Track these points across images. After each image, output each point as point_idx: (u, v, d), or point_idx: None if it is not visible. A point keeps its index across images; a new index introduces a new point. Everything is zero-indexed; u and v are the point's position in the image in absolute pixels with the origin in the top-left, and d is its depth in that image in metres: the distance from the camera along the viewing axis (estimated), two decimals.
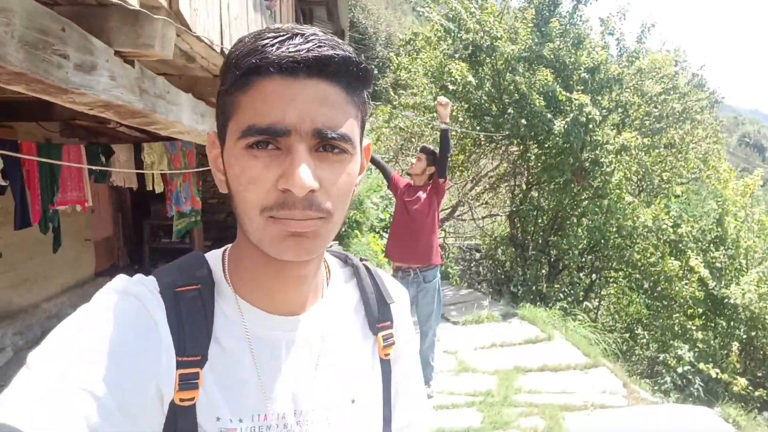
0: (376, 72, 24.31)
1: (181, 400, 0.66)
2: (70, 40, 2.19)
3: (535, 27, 8.88)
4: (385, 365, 0.84)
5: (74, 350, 0.61)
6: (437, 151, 4.34)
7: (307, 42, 0.63)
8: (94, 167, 5.43)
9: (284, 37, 0.63)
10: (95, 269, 7.74)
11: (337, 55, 0.63)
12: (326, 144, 0.65)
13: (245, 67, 0.63)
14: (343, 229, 13.77)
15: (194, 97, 4.03)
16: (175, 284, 0.71)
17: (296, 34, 0.64)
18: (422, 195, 4.41)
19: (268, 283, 0.73)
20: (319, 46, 0.63)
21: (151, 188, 6.56)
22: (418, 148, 4.56)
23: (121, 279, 0.71)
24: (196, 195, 7.46)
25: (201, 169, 6.60)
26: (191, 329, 0.68)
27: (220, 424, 0.69)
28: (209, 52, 3.72)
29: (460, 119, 9.81)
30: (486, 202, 12.13)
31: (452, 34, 8.83)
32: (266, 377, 0.72)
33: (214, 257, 0.77)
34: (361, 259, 0.90)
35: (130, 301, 0.67)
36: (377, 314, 0.84)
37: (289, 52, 0.62)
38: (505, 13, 9.42)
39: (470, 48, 8.74)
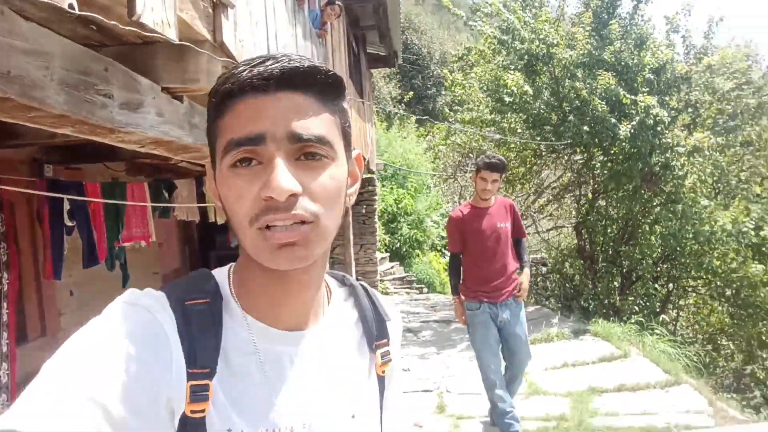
0: (432, 91, 24.38)
1: (192, 412, 0.67)
2: (113, 79, 2.21)
3: (594, 31, 8.63)
4: (381, 382, 0.86)
5: (85, 361, 0.62)
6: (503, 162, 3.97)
7: (278, 62, 0.67)
8: (157, 204, 5.58)
9: (257, 62, 0.68)
10: None
11: (303, 65, 0.67)
12: (306, 152, 0.68)
13: (221, 94, 0.69)
14: (404, 249, 13.73)
15: None
16: (185, 298, 0.72)
17: (270, 58, 0.68)
18: (500, 215, 4.01)
19: (272, 295, 0.75)
20: (288, 63, 0.67)
21: (213, 220, 6.68)
22: (481, 164, 3.93)
23: (131, 292, 0.72)
24: None
25: None
26: (201, 341, 0.69)
27: None
28: None
29: (519, 131, 9.60)
30: (550, 214, 11.81)
31: (506, 45, 8.68)
32: (275, 391, 0.73)
33: (220, 274, 0.78)
34: (357, 279, 0.93)
35: (141, 313, 0.68)
36: (375, 332, 0.86)
37: (259, 71, 0.66)
38: (561, 19, 9.19)
39: (526, 58, 8.58)
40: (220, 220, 6.71)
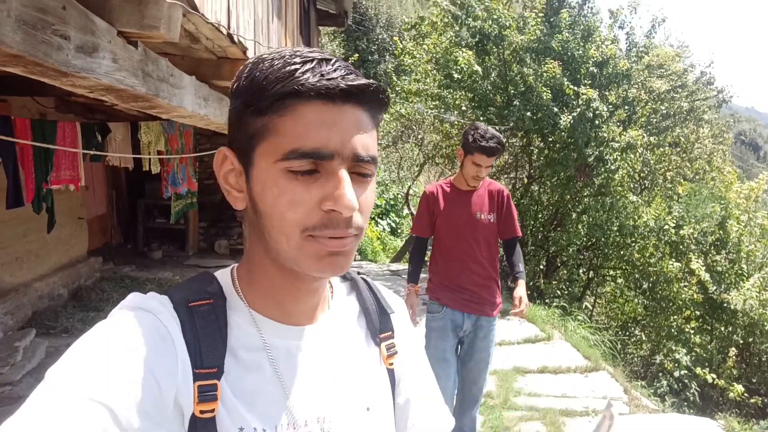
0: (376, 56, 24.09)
1: (202, 412, 0.67)
2: (70, 19, 2.04)
3: (545, 17, 8.73)
4: (391, 374, 0.86)
5: (91, 365, 0.62)
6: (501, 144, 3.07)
7: (336, 69, 0.67)
8: (89, 152, 5.27)
9: (314, 63, 0.67)
10: (88, 248, 7.59)
11: (371, 85, 0.68)
12: (359, 170, 0.69)
13: (283, 92, 0.66)
14: None
15: (197, 79, 3.87)
16: (188, 299, 0.72)
17: (322, 60, 0.68)
18: (484, 204, 3.20)
19: (282, 296, 0.75)
20: (349, 74, 0.67)
21: (147, 169, 6.39)
22: (475, 147, 3.03)
23: (135, 296, 0.72)
24: (193, 176, 7.31)
25: (199, 154, 6.44)
26: (206, 342, 0.69)
27: None
28: (215, 34, 3.56)
29: (463, 108, 9.68)
30: None
31: (459, 20, 8.66)
32: (287, 386, 0.73)
33: (223, 275, 0.78)
34: (357, 273, 0.93)
35: (145, 316, 0.68)
36: (378, 325, 0.86)
37: (327, 79, 0.65)
38: (514, 1, 9.26)
39: (477, 36, 8.60)
40: (155, 170, 6.43)
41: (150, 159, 6.30)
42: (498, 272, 3.28)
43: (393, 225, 16.58)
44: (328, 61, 0.68)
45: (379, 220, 15.98)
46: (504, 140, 2.97)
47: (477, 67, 8.30)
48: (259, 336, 0.74)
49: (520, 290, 3.15)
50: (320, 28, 13.42)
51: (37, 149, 4.62)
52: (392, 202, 16.58)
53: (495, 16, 8.44)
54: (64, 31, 2.00)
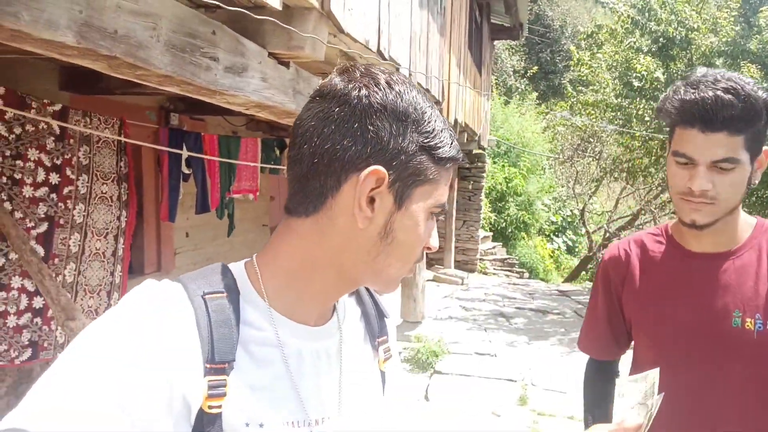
0: (561, 66, 23.36)
1: (210, 407, 0.66)
2: (220, 42, 2.30)
3: (741, 17, 7.81)
4: (383, 377, 0.88)
5: (99, 357, 0.61)
6: None
7: (453, 139, 0.80)
8: (266, 165, 5.85)
9: (452, 135, 0.79)
10: None
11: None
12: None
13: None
14: (509, 230, 13.43)
15: None
16: (202, 291, 0.71)
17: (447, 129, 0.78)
18: (754, 287, 1.25)
19: (313, 298, 0.77)
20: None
21: None
22: (674, 113, 1.20)
23: (148, 284, 0.72)
24: None
25: None
26: (219, 335, 0.69)
27: (251, 429, 0.69)
28: (366, 53, 3.75)
29: (647, 119, 8.99)
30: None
31: (640, 26, 8.09)
32: (297, 384, 0.74)
33: (237, 268, 0.77)
34: None
35: (158, 306, 0.68)
36: (377, 328, 0.89)
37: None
38: (706, 1, 8.42)
39: (660, 41, 7.96)
40: None
41: None
42: None
43: (570, 243, 15.85)
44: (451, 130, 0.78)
45: (554, 238, 15.38)
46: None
47: (658, 74, 7.68)
48: (274, 332, 0.74)
49: None
50: (496, 42, 13.40)
51: (223, 162, 5.24)
52: (569, 219, 15.87)
53: (681, 18, 7.75)
54: (214, 54, 2.26)
